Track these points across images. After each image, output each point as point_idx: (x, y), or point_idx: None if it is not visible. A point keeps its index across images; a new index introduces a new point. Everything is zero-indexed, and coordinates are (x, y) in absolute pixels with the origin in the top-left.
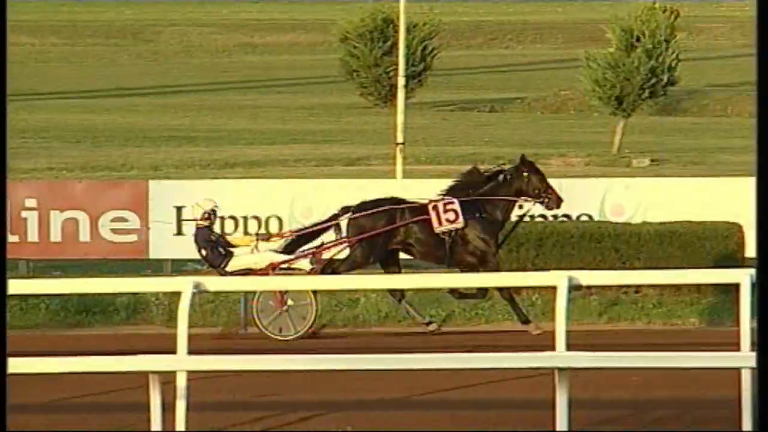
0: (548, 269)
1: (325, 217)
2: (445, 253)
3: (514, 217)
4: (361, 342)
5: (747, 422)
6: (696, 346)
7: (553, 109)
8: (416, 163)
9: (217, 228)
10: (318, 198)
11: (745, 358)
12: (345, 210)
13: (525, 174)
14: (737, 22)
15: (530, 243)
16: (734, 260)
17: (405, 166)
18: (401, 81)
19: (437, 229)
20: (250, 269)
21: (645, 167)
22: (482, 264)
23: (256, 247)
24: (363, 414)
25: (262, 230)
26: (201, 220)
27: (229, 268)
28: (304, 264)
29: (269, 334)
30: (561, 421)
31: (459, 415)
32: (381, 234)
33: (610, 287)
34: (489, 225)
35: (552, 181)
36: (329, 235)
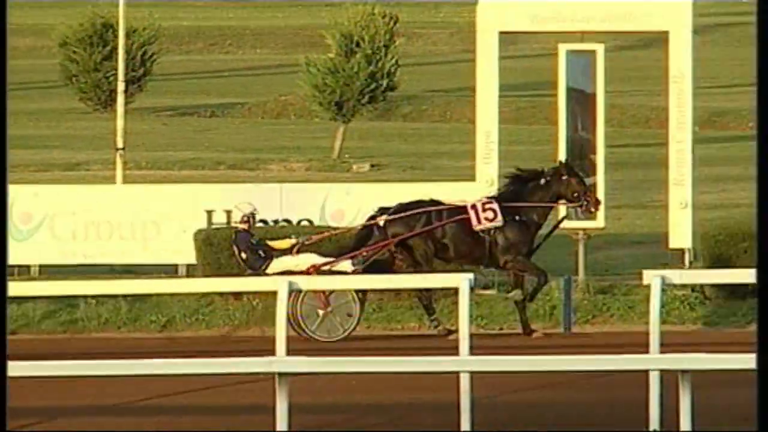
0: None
1: (363, 220)
2: (484, 252)
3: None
4: (83, 347)
5: (465, 423)
6: (417, 350)
7: (273, 115)
8: (136, 168)
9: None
10: (36, 203)
11: (462, 362)
12: (382, 211)
13: (564, 177)
14: (456, 27)
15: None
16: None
17: (125, 171)
18: (121, 86)
19: (476, 227)
20: (291, 271)
21: (365, 172)
22: (508, 264)
23: (296, 249)
24: (83, 421)
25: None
26: (240, 223)
27: (269, 271)
28: (346, 265)
29: (318, 337)
30: (281, 425)
31: (180, 421)
32: (420, 234)
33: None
34: (525, 227)
35: (272, 186)
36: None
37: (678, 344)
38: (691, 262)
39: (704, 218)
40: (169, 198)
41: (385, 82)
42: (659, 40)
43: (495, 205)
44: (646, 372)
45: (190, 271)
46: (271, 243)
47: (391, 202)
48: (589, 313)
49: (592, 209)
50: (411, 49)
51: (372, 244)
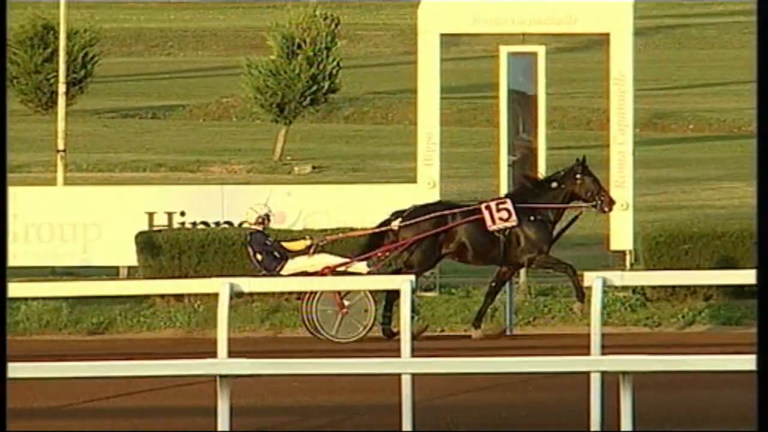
0: (211, 276)
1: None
2: (499, 252)
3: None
4: (23, 349)
5: (407, 425)
6: (358, 351)
7: (215, 117)
8: (77, 170)
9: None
10: None
11: (404, 364)
12: (397, 215)
13: (578, 177)
14: (397, 29)
15: (192, 250)
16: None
17: (66, 174)
18: (62, 88)
19: (491, 227)
20: (306, 272)
21: (307, 174)
22: (532, 264)
23: (312, 250)
24: (25, 423)
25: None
26: (254, 224)
27: (284, 272)
28: (361, 267)
29: (339, 339)
30: (222, 427)
31: (122, 423)
32: (435, 237)
33: (272, 294)
34: (542, 225)
35: (214, 188)
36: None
37: (619, 346)
38: (632, 264)
39: (645, 220)
40: (110, 200)
41: (326, 84)
42: (600, 42)
43: (509, 205)
44: (587, 374)
45: (132, 273)
46: (286, 244)
47: (345, 204)
48: (530, 315)
49: (606, 209)
50: (352, 51)
51: (386, 246)
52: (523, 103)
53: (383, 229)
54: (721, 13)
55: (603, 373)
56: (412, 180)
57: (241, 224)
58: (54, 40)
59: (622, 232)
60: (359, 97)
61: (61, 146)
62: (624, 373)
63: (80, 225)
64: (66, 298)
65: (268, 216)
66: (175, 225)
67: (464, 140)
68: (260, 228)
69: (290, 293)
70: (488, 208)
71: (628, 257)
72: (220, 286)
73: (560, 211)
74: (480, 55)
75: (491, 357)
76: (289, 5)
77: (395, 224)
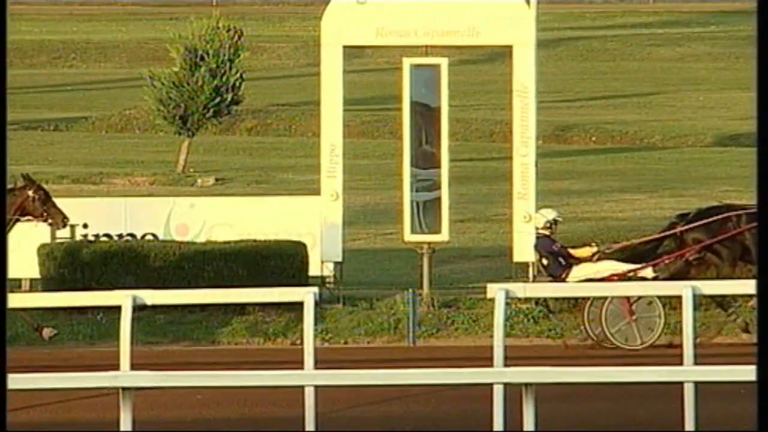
0: (113, 288)
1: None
2: None
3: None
4: None
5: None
6: (262, 363)
7: (118, 129)
8: None
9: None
10: None
11: (307, 376)
12: (681, 217)
13: None
14: (300, 41)
15: (96, 262)
16: (299, 279)
17: None
18: None
19: None
20: (592, 279)
21: (210, 186)
22: None
23: (596, 257)
24: None
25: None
26: (542, 229)
27: (569, 279)
28: (648, 273)
29: (615, 341)
30: None
31: None
32: (726, 241)
33: (175, 306)
34: None
35: (116, 201)
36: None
37: (522, 357)
38: (534, 276)
39: None
40: None
41: (229, 96)
42: (503, 54)
43: None
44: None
45: (34, 286)
46: (572, 251)
47: (248, 216)
48: (433, 327)
49: None
50: (256, 63)
51: (673, 252)
52: (426, 114)
53: (667, 233)
54: (622, 26)
55: (506, 385)
56: (316, 192)
57: (143, 236)
58: None
59: (524, 244)
60: (262, 109)
61: None
62: (526, 384)
63: None
64: None
65: (556, 221)
66: (78, 237)
67: (367, 152)
68: (548, 233)
69: (193, 306)
70: None
71: (531, 269)
72: (122, 298)
73: None
74: (383, 67)
75: (395, 369)
76: (192, 17)
77: (678, 230)
